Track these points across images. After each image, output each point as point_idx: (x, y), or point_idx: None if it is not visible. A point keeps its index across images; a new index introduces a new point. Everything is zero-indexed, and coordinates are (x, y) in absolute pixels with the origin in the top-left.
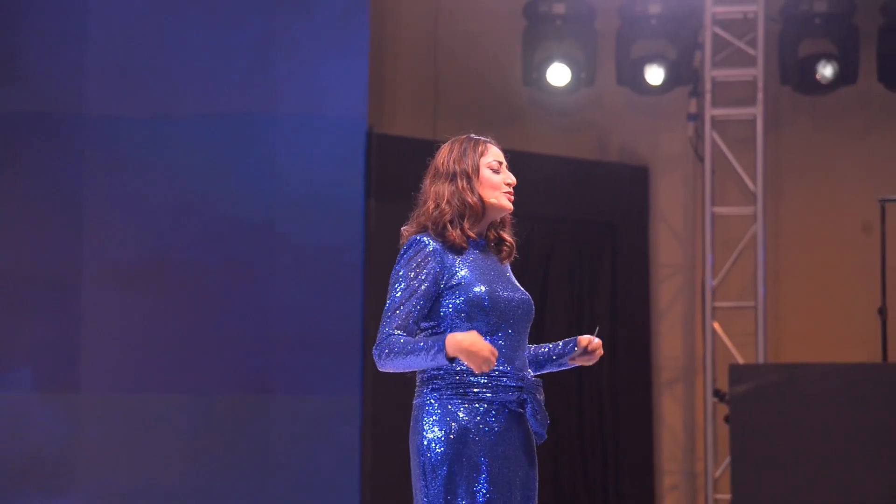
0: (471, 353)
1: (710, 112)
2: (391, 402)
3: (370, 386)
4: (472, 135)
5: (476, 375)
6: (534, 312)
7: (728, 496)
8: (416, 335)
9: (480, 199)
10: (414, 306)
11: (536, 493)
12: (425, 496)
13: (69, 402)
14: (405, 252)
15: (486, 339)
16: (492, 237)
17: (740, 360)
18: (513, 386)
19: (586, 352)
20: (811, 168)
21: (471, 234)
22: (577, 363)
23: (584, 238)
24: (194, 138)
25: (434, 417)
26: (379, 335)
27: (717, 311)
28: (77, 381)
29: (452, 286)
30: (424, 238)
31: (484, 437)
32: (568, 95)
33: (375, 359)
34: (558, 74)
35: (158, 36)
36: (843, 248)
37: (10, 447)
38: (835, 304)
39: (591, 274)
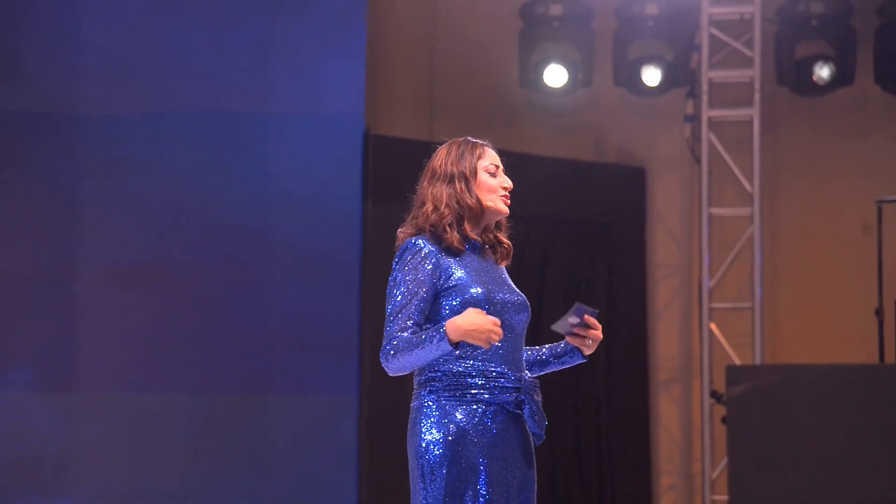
0: (472, 333)
1: (706, 113)
2: (388, 402)
3: (367, 386)
4: (470, 138)
5: (473, 377)
6: (530, 314)
7: (725, 497)
8: None
9: (478, 201)
10: (415, 309)
11: (535, 493)
12: (424, 498)
13: (68, 403)
14: (401, 256)
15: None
16: (488, 240)
17: (737, 361)
18: (510, 387)
19: (587, 326)
20: (808, 169)
21: (472, 235)
22: (576, 343)
23: (580, 239)
24: (192, 138)
25: (432, 419)
26: (383, 340)
27: (713, 311)
28: (76, 381)
29: (449, 288)
30: (419, 241)
31: (482, 439)
32: (565, 97)
33: (383, 363)
34: (555, 75)
35: (156, 36)
36: (841, 249)
37: (9, 447)
38: (832, 305)
39: (587, 275)
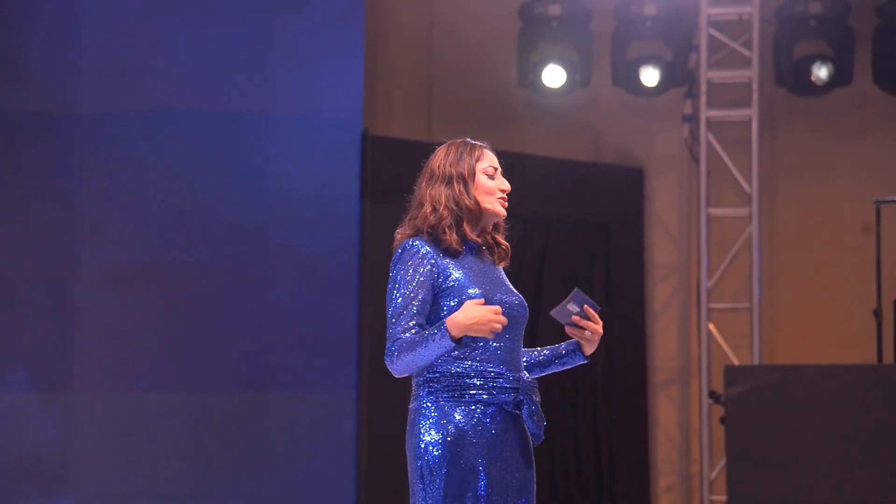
0: (474, 326)
1: (705, 113)
2: (387, 402)
3: (366, 386)
4: (469, 139)
5: (471, 377)
6: (528, 315)
7: (723, 497)
8: None
9: (476, 203)
10: (416, 310)
11: (534, 494)
12: (423, 499)
13: (67, 403)
14: (399, 257)
15: (480, 342)
16: (486, 241)
17: (735, 362)
18: (509, 387)
19: (586, 318)
20: (806, 169)
21: (472, 237)
22: (575, 334)
23: (579, 239)
24: (191, 139)
25: (431, 420)
26: (387, 342)
27: (712, 312)
28: (75, 381)
29: (447, 289)
30: (416, 242)
31: (481, 439)
32: (563, 97)
33: (388, 365)
34: (553, 76)
35: (155, 36)
36: (839, 249)
37: (8, 448)
38: (830, 305)
39: (585, 275)
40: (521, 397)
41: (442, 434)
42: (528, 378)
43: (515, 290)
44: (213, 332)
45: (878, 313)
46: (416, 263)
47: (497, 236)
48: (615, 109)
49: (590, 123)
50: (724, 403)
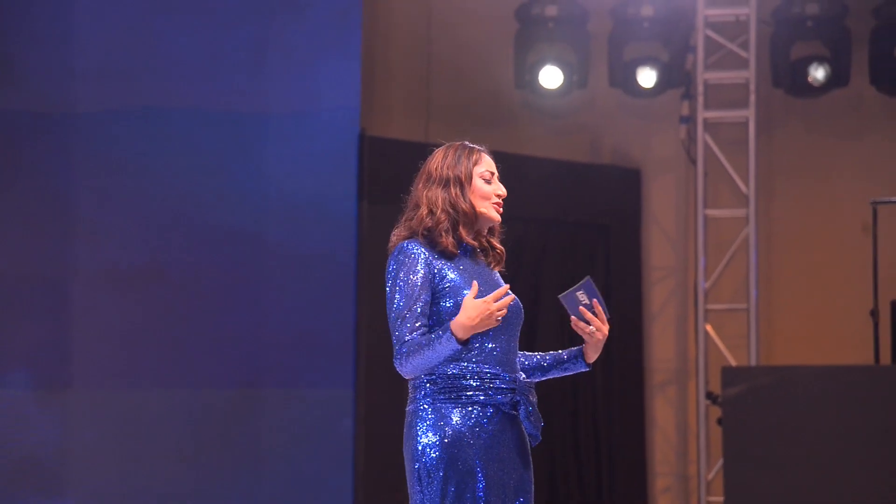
0: (478, 326)
1: (702, 114)
2: (384, 402)
3: (363, 386)
4: (467, 142)
5: (467, 378)
6: (523, 316)
7: (721, 498)
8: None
9: (472, 206)
10: (420, 311)
11: (532, 494)
12: (421, 501)
13: (66, 403)
14: (395, 259)
15: (476, 343)
16: (481, 244)
17: (733, 363)
18: (505, 388)
19: (593, 312)
20: (803, 170)
21: (468, 240)
22: (579, 328)
23: (576, 240)
24: (189, 140)
25: (428, 422)
26: (395, 344)
27: (709, 313)
28: (73, 381)
29: (442, 290)
30: (411, 245)
31: (478, 441)
32: (560, 98)
33: (398, 367)
34: (550, 77)
35: (154, 37)
36: (836, 250)
37: (6, 448)
38: (827, 306)
39: (583, 276)
40: (518, 398)
41: (439, 436)
42: (524, 378)
43: (511, 293)
44: (210, 332)
45: (874, 314)
46: (414, 265)
47: (492, 240)
48: (612, 110)
49: (587, 124)
50: (722, 404)
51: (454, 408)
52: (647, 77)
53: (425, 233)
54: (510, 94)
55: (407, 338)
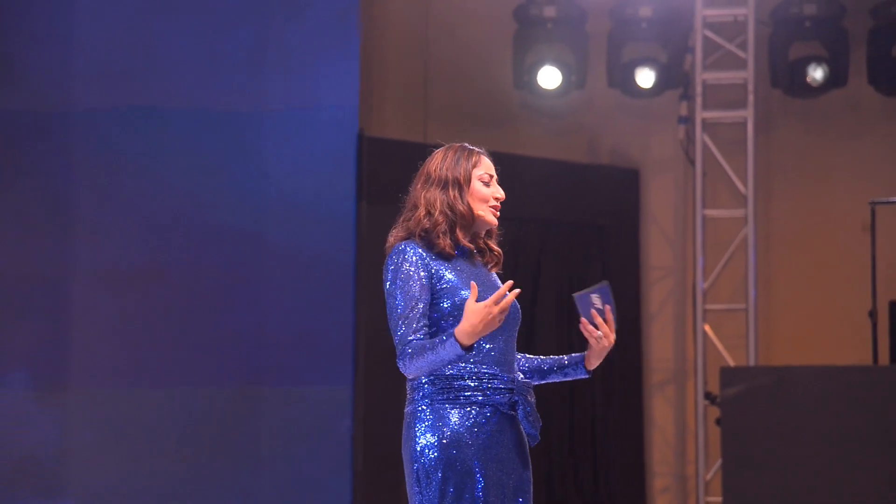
0: (482, 332)
1: (700, 115)
2: (383, 402)
3: (362, 387)
4: (467, 144)
5: (465, 379)
6: (521, 317)
7: (719, 499)
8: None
9: (470, 209)
10: (421, 312)
11: (531, 494)
12: (420, 502)
13: (65, 404)
14: (393, 261)
15: (474, 344)
16: (478, 246)
17: (731, 363)
18: (503, 388)
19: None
20: (802, 170)
21: (464, 242)
22: (587, 332)
23: (574, 240)
24: (188, 140)
25: (426, 423)
26: (398, 345)
27: (707, 313)
28: (72, 382)
29: (439, 290)
30: (407, 246)
31: (477, 441)
32: (559, 98)
33: (401, 367)
34: (549, 77)
35: (153, 38)
36: (835, 250)
37: (5, 448)
38: (826, 306)
39: (581, 277)
40: (517, 398)
41: (437, 437)
42: (522, 378)
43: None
44: (209, 332)
45: (873, 314)
46: (413, 266)
47: (490, 242)
48: (611, 111)
49: (585, 125)
50: (720, 404)
51: (453, 408)
52: (645, 77)
53: (422, 234)
54: (509, 94)
55: (410, 337)
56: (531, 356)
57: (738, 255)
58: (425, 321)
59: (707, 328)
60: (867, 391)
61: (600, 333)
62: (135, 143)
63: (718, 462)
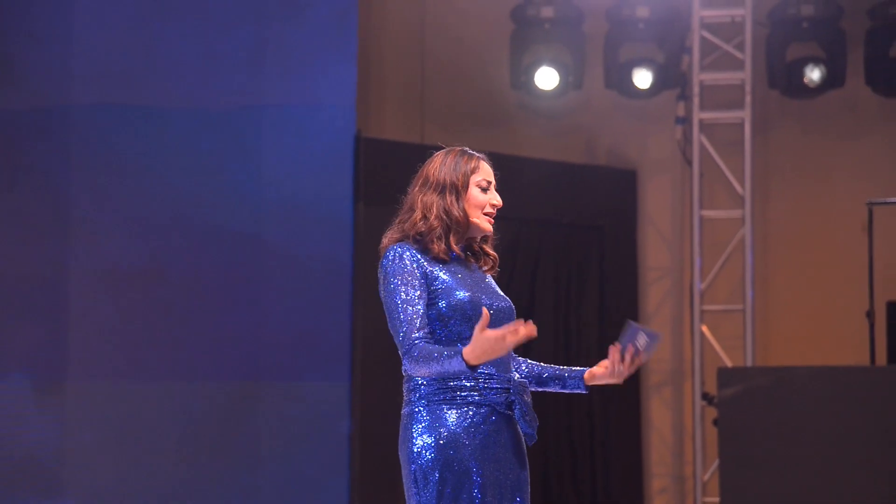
0: (492, 358)
1: (698, 115)
2: (380, 403)
3: (359, 388)
4: (467, 149)
5: (462, 379)
6: (516, 317)
7: (717, 499)
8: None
9: (465, 215)
10: (420, 311)
11: (528, 494)
12: (417, 503)
13: (63, 404)
14: (389, 262)
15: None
16: (473, 250)
17: (728, 364)
18: (500, 388)
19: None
20: (799, 171)
21: (455, 248)
22: (612, 361)
23: (572, 241)
24: (186, 141)
25: (423, 424)
26: (402, 343)
27: (705, 314)
28: (70, 382)
29: (434, 291)
30: (402, 249)
31: (474, 441)
32: (556, 99)
33: (406, 365)
34: (546, 78)
35: (152, 40)
36: (832, 250)
37: (5, 449)
38: (823, 307)
39: (579, 277)
40: (513, 398)
41: (434, 437)
42: (518, 378)
43: (503, 294)
44: (208, 331)
45: (870, 315)
46: (409, 267)
47: (485, 247)
48: (608, 111)
49: (583, 125)
50: (718, 405)
51: (449, 409)
52: (642, 78)
53: (417, 237)
54: (506, 95)
55: (415, 335)
56: (532, 362)
57: (735, 256)
58: (426, 320)
59: (704, 329)
60: (865, 392)
61: (621, 368)
62: (134, 143)
63: (716, 463)
